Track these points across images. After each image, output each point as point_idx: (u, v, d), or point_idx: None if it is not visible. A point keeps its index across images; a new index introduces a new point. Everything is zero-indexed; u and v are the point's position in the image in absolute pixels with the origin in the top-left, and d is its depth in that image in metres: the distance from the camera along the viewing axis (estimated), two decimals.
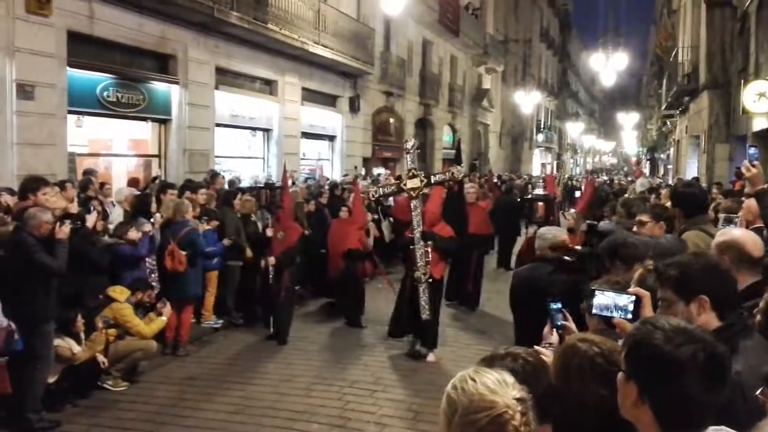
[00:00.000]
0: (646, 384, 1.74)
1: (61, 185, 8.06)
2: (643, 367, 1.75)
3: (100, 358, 6.95)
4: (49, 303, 6.18)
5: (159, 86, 13.02)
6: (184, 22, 13.08)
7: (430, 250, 8.18)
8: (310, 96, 19.05)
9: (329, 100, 20.53)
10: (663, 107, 31.31)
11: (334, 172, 20.54)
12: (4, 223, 6.65)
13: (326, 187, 14.00)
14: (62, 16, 10.31)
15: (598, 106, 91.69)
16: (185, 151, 13.48)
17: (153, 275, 8.47)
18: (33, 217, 6.13)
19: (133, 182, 11.19)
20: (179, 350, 8.48)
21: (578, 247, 5.07)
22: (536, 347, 2.49)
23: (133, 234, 7.91)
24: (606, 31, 48.87)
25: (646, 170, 48.79)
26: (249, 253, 9.86)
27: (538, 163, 50.15)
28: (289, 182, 10.41)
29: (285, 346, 8.98)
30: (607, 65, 35.72)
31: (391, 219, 13.67)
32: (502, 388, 1.72)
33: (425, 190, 8.65)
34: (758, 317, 2.63)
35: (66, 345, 6.60)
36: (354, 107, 21.17)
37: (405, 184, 8.35)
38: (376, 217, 13.37)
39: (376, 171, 22.13)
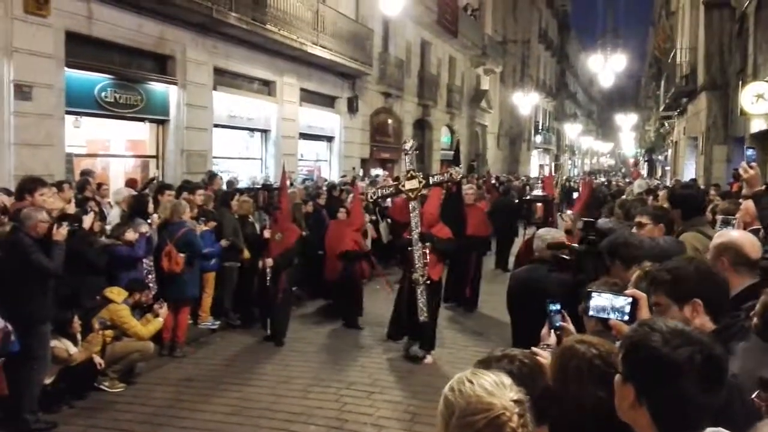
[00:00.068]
0: (643, 386, 1.73)
1: (59, 186, 8.06)
2: (641, 369, 1.74)
3: (97, 359, 6.94)
4: (45, 304, 6.17)
5: (157, 87, 13.01)
6: (183, 23, 13.07)
7: (428, 251, 8.16)
8: (309, 97, 19.05)
9: (327, 101, 20.53)
10: (661, 108, 31.35)
11: (332, 173, 20.54)
12: (1, 223, 6.64)
13: (324, 188, 13.99)
14: (60, 16, 10.29)
15: (597, 107, 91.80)
16: (183, 152, 13.47)
17: (150, 276, 8.46)
18: (28, 217, 6.12)
19: (130, 183, 11.17)
20: (176, 351, 8.46)
21: (575, 245, 5.05)
22: (533, 348, 2.49)
23: (131, 235, 7.90)
24: (604, 32, 49.09)
25: (644, 172, 48.83)
26: (246, 254, 9.86)
27: (536, 164, 50.20)
28: (287, 183, 10.39)
29: (282, 347, 8.97)
30: (606, 66, 35.81)
31: (389, 220, 13.67)
32: (500, 390, 1.72)
33: (423, 192, 8.64)
34: (755, 320, 2.63)
35: (63, 346, 6.59)
36: (352, 108, 21.17)
37: (403, 186, 8.33)
38: (373, 218, 13.37)
39: (374, 172, 22.13)
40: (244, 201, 10.37)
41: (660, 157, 47.11)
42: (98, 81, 11.54)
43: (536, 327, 2.99)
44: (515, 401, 1.71)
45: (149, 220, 8.45)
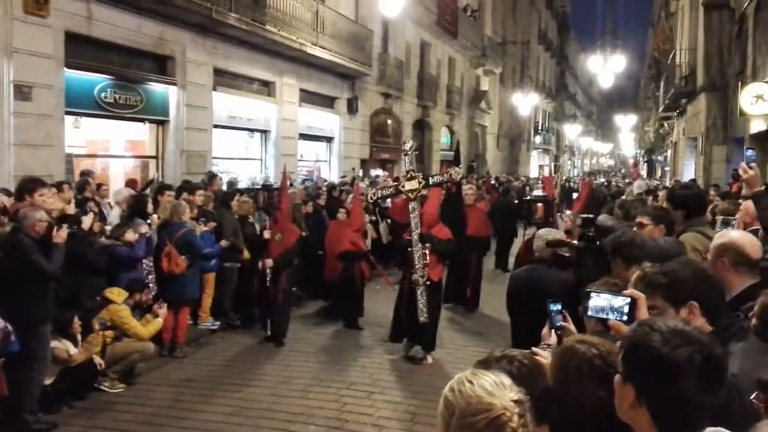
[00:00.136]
0: (643, 386, 1.74)
1: (59, 186, 8.07)
2: (641, 369, 1.74)
3: (97, 359, 6.94)
4: (45, 305, 6.18)
5: (157, 87, 13.01)
6: (183, 23, 13.07)
7: (428, 252, 8.15)
8: (308, 97, 19.05)
9: (327, 102, 20.53)
10: (660, 109, 31.37)
11: (331, 174, 20.54)
12: (1, 224, 6.64)
13: (324, 189, 13.99)
14: (60, 16, 10.29)
15: (596, 108, 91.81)
16: (183, 153, 13.47)
17: (150, 277, 8.46)
18: (26, 218, 6.12)
19: (130, 183, 11.18)
20: (176, 352, 8.46)
21: (575, 242, 5.06)
22: (533, 348, 2.49)
23: (130, 235, 7.90)
24: (604, 33, 49.02)
25: (644, 172, 48.83)
26: (246, 254, 9.86)
27: (536, 164, 50.21)
28: (287, 184, 10.39)
29: (282, 347, 8.97)
30: (605, 67, 35.79)
31: (389, 220, 13.67)
32: (500, 390, 1.72)
33: (423, 192, 8.64)
34: (753, 320, 2.64)
35: (63, 346, 6.59)
36: (352, 109, 21.17)
37: (403, 186, 8.33)
38: (373, 218, 13.37)
39: (374, 172, 22.13)
40: (243, 201, 10.37)
41: (659, 158, 47.12)
42: (98, 81, 11.54)
43: (536, 327, 2.99)
44: (515, 401, 1.71)
45: (149, 221, 8.45)
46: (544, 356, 2.38)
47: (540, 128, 50.62)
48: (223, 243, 9.49)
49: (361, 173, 20.67)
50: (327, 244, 10.78)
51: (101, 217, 8.40)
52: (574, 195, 17.85)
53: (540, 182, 23.65)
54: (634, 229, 5.24)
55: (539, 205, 12.47)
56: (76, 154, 11.33)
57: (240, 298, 10.04)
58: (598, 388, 2.04)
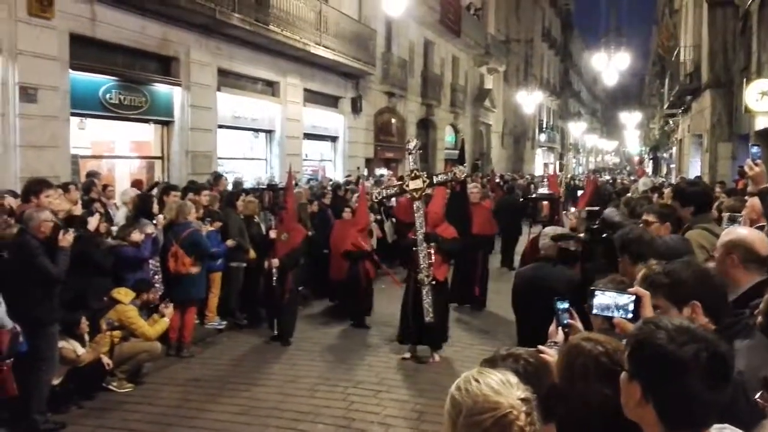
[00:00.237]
0: (649, 383, 1.74)
1: (65, 188, 8.09)
2: (647, 366, 1.75)
3: (105, 359, 6.97)
4: (53, 305, 6.20)
5: (161, 88, 13.04)
6: (186, 24, 13.10)
7: (433, 251, 8.13)
8: (312, 97, 19.06)
9: (331, 101, 20.54)
10: (665, 106, 31.25)
11: (336, 173, 20.55)
12: (8, 225, 6.66)
13: (329, 188, 14.00)
14: (64, 18, 10.32)
15: (601, 105, 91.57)
16: (188, 153, 13.50)
17: (157, 277, 8.49)
18: (31, 218, 6.15)
19: (136, 184, 11.21)
20: (183, 351, 8.49)
21: (581, 235, 5.07)
22: (539, 346, 2.49)
23: (136, 236, 7.93)
24: (608, 30, 48.74)
25: (649, 169, 48.69)
26: (252, 254, 9.88)
27: (541, 162, 50.09)
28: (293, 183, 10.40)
29: (289, 347, 8.99)
30: (609, 65, 35.70)
31: (394, 219, 13.67)
32: (507, 389, 1.73)
33: (428, 191, 8.62)
34: (759, 318, 2.64)
35: (70, 347, 6.62)
36: (356, 108, 21.19)
37: (407, 185, 8.32)
38: (378, 217, 13.38)
39: (378, 172, 22.14)
40: (249, 201, 10.39)
41: (665, 155, 47.00)
42: (103, 83, 11.58)
43: (542, 325, 2.99)
44: (522, 400, 1.72)
45: (155, 221, 8.48)
46: (550, 354, 2.39)
47: (544, 126, 50.56)
48: (229, 243, 9.51)
49: (365, 172, 20.68)
50: (332, 243, 10.79)
51: (107, 218, 8.44)
52: (579, 193, 17.84)
53: (545, 180, 23.59)
54: (641, 226, 5.24)
55: (545, 203, 12.46)
56: (82, 155, 11.37)
57: (246, 297, 10.06)
58: (605, 386, 2.05)
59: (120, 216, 9.24)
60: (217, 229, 9.37)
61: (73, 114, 10.79)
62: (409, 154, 8.63)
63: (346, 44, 18.97)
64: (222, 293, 9.70)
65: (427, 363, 8.32)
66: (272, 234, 9.24)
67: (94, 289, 7.32)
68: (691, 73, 22.79)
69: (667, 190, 11.58)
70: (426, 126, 28.41)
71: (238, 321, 9.94)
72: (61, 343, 6.48)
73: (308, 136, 19.12)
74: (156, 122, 13.25)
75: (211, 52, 14.07)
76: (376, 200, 10.60)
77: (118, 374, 7.21)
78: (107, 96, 11.63)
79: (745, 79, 15.90)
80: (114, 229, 8.35)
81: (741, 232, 3.44)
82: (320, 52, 17.40)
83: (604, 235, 4.55)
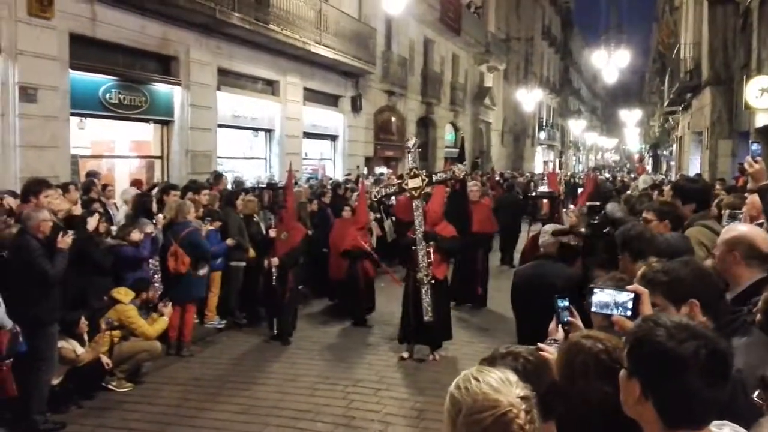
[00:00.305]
0: (649, 381, 1.73)
1: (65, 187, 8.09)
2: (646, 364, 1.74)
3: (105, 359, 6.97)
4: (52, 305, 6.20)
5: (161, 88, 13.04)
6: (186, 24, 13.10)
7: (432, 250, 8.11)
8: (312, 96, 19.06)
9: (331, 100, 20.54)
10: (665, 104, 31.23)
11: (336, 172, 20.55)
12: (7, 225, 6.66)
13: (329, 187, 14.00)
14: (64, 18, 10.32)
15: (601, 103, 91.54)
16: (188, 153, 13.50)
17: (156, 276, 8.49)
18: (29, 218, 6.15)
19: (135, 184, 11.22)
20: (183, 351, 8.49)
21: (582, 230, 5.07)
22: (539, 344, 2.49)
23: (136, 235, 7.93)
24: (608, 28, 48.77)
25: (649, 167, 48.68)
26: (252, 253, 9.88)
27: (541, 160, 50.12)
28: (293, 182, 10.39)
29: (289, 346, 8.99)
30: (609, 62, 35.72)
31: (394, 218, 13.66)
32: (506, 387, 1.72)
33: (428, 190, 8.61)
34: (758, 316, 2.64)
35: (70, 347, 6.62)
36: (356, 107, 21.18)
37: (406, 184, 8.32)
38: (378, 216, 13.37)
39: (378, 170, 22.14)
40: (249, 200, 10.38)
41: (665, 153, 46.99)
42: (102, 82, 11.58)
43: (541, 323, 2.99)
44: (522, 398, 1.71)
45: (154, 220, 8.48)
46: (550, 352, 2.38)
47: (544, 124, 50.54)
48: (229, 242, 9.51)
49: (365, 171, 20.68)
50: (331, 242, 10.79)
51: (107, 218, 8.43)
52: (580, 190, 17.85)
53: (545, 178, 23.59)
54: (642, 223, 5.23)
55: (544, 201, 12.46)
56: (82, 155, 11.38)
57: (246, 296, 10.06)
58: (605, 384, 2.04)
59: (121, 215, 9.25)
60: (216, 228, 9.37)
61: (72, 114, 10.80)
62: (408, 152, 8.62)
63: (345, 43, 18.96)
64: (222, 292, 9.70)
65: (426, 362, 8.31)
66: (272, 233, 9.24)
67: (93, 289, 7.32)
68: (692, 71, 22.79)
69: (666, 188, 11.58)
70: (426, 124, 28.41)
71: (237, 320, 9.93)
72: (61, 343, 6.48)
73: (308, 135, 19.12)
74: (156, 122, 13.25)
75: (211, 51, 14.06)
76: (375, 199, 10.58)
77: (117, 374, 7.20)
78: (107, 96, 11.62)
79: (745, 76, 15.87)
80: (114, 228, 8.35)
81: (743, 228, 3.44)
82: (320, 50, 17.40)
83: (606, 230, 4.56)
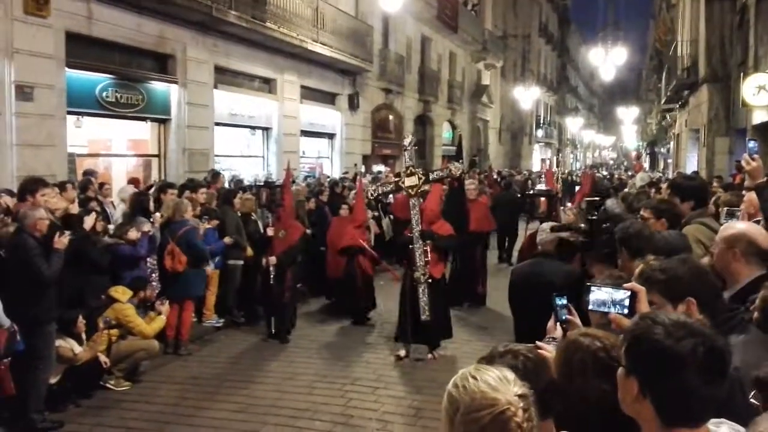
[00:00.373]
0: (646, 379, 1.73)
1: (62, 186, 8.08)
2: (644, 361, 1.74)
3: (102, 358, 6.96)
4: (50, 304, 6.19)
5: (158, 86, 13.02)
6: (183, 22, 13.07)
7: (429, 249, 8.10)
8: (309, 94, 19.04)
9: (328, 98, 20.53)
10: (662, 101, 31.27)
11: (333, 170, 20.54)
12: (4, 224, 6.66)
13: (326, 185, 13.99)
14: (60, 17, 10.30)
15: (598, 100, 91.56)
16: (185, 151, 13.48)
17: (154, 275, 8.48)
18: (26, 217, 6.15)
19: (132, 182, 11.20)
20: (181, 349, 8.48)
21: (582, 225, 5.06)
22: (537, 342, 2.49)
23: (133, 234, 7.92)
24: (605, 25, 48.79)
25: (646, 164, 48.73)
26: (249, 251, 9.87)
27: (538, 158, 50.14)
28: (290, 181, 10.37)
29: (287, 344, 8.99)
30: (607, 60, 35.68)
31: (391, 216, 13.66)
32: (504, 385, 1.72)
33: (425, 188, 8.59)
34: (756, 313, 2.64)
35: (67, 345, 6.61)
36: (353, 105, 21.16)
37: (403, 182, 8.30)
38: (376, 214, 13.37)
39: (376, 168, 22.13)
40: (246, 199, 10.38)
41: (662, 150, 47.02)
42: (99, 81, 11.55)
43: (539, 321, 2.99)
44: (519, 396, 1.71)
45: (152, 219, 8.47)
46: (548, 350, 2.38)
47: (542, 122, 50.54)
48: (227, 240, 9.50)
49: (363, 169, 20.68)
50: (329, 241, 10.78)
51: (104, 216, 8.42)
52: (577, 188, 17.86)
53: (542, 176, 23.58)
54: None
55: (542, 199, 12.46)
56: (79, 153, 11.35)
57: (244, 295, 10.06)
58: (603, 381, 2.05)
59: (118, 214, 9.24)
60: (214, 226, 9.36)
61: (69, 112, 10.78)
62: (405, 150, 8.61)
63: (343, 41, 18.94)
64: (219, 291, 9.69)
65: (424, 361, 8.30)
66: (270, 231, 9.23)
67: (91, 288, 7.32)
68: (689, 68, 22.80)
69: (664, 186, 11.58)
70: (423, 122, 28.40)
71: (235, 319, 9.93)
72: (59, 342, 6.47)
73: (305, 133, 19.10)
74: (153, 120, 13.23)
75: (208, 49, 14.04)
76: (372, 197, 10.57)
77: (115, 372, 7.20)
78: (104, 94, 11.60)
79: (742, 74, 15.89)
80: (111, 227, 8.34)
81: (741, 226, 3.45)
82: (317, 48, 17.38)
83: (605, 226, 4.56)
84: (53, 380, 6.46)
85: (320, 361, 8.36)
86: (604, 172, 41.76)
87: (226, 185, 12.34)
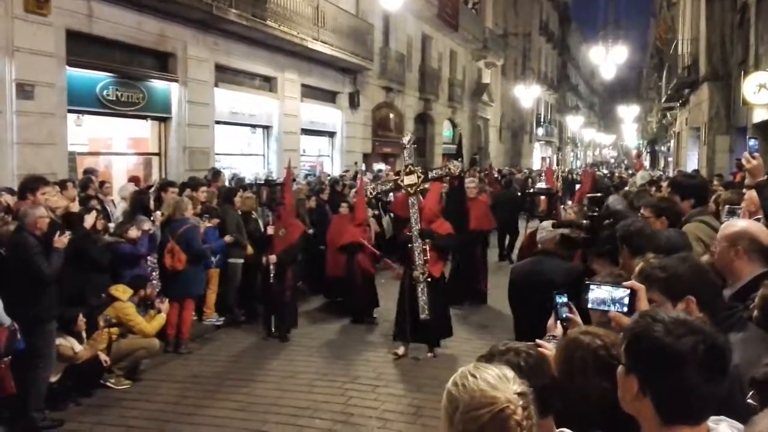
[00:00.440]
0: (647, 376, 1.73)
1: (62, 185, 8.08)
2: (644, 360, 1.74)
3: (103, 356, 6.97)
4: (50, 303, 6.20)
5: (158, 84, 13.02)
6: (183, 20, 13.07)
7: (428, 248, 8.07)
8: (310, 92, 19.04)
9: (329, 97, 20.52)
10: (663, 100, 31.24)
11: (334, 169, 20.54)
12: (5, 222, 6.66)
13: (327, 184, 13.98)
14: (61, 15, 10.30)
15: (598, 99, 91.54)
16: (185, 149, 13.48)
17: (154, 273, 8.48)
18: (26, 215, 6.15)
19: (133, 181, 11.20)
20: (181, 348, 8.48)
21: (584, 221, 5.06)
22: (538, 341, 2.49)
23: (133, 232, 7.92)
24: (606, 24, 48.90)
25: (647, 163, 48.72)
26: (250, 250, 9.87)
27: (539, 156, 50.13)
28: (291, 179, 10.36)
29: (287, 343, 8.99)
30: (607, 58, 35.75)
31: (392, 214, 13.65)
32: (503, 384, 1.72)
33: (426, 186, 8.58)
34: (755, 312, 2.64)
35: (68, 344, 6.62)
36: (354, 103, 21.16)
37: (402, 181, 8.29)
38: (376, 212, 13.36)
39: (376, 167, 22.12)
40: (246, 197, 10.38)
41: (663, 148, 47.02)
42: (100, 79, 11.55)
43: (539, 319, 2.99)
44: (519, 394, 1.71)
45: (152, 218, 8.47)
46: (548, 348, 2.38)
47: (542, 120, 50.52)
48: (228, 239, 9.50)
49: (363, 167, 20.68)
50: (329, 239, 10.75)
51: (105, 215, 8.42)
52: (577, 187, 17.84)
53: (542, 175, 23.57)
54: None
55: (542, 197, 12.45)
56: (79, 152, 11.35)
57: (244, 294, 10.06)
58: (603, 379, 2.04)
59: (119, 212, 9.24)
60: (214, 225, 9.36)
61: (70, 111, 10.78)
62: (404, 149, 8.59)
63: (343, 39, 18.93)
64: (220, 289, 9.69)
65: (423, 359, 8.29)
66: (270, 230, 9.23)
67: (91, 286, 7.32)
68: (689, 66, 22.78)
69: (664, 184, 11.58)
70: (424, 121, 28.39)
71: (236, 317, 9.93)
72: (59, 341, 6.48)
73: (306, 131, 19.10)
74: (153, 118, 13.23)
75: (209, 47, 14.04)
76: (371, 196, 10.55)
77: (115, 371, 7.20)
78: (104, 92, 11.60)
79: (742, 72, 15.89)
80: (112, 225, 8.35)
81: (743, 223, 3.45)
82: (318, 47, 17.37)
83: (607, 222, 4.56)
84: (54, 379, 6.47)
85: (320, 360, 8.36)
86: (605, 171, 41.74)
87: (227, 183, 12.34)
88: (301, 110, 18.48)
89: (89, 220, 7.31)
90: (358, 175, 15.90)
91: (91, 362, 6.83)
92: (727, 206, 5.16)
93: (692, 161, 23.97)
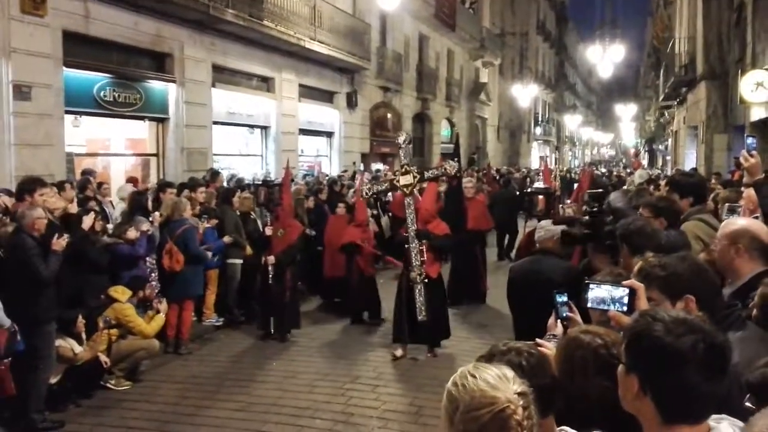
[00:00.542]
0: (647, 376, 1.73)
1: (60, 186, 8.06)
2: (644, 359, 1.74)
3: (103, 357, 6.96)
4: (49, 304, 6.19)
5: (156, 85, 13.01)
6: (180, 20, 13.06)
7: (425, 249, 8.05)
8: (308, 92, 19.03)
9: (326, 97, 20.52)
10: (661, 98, 31.28)
11: (332, 169, 20.54)
12: (3, 224, 6.65)
13: (325, 184, 13.98)
14: (57, 16, 10.28)
15: (596, 98, 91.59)
16: (183, 150, 13.47)
17: (153, 274, 8.47)
18: (24, 217, 6.14)
19: (131, 181, 11.18)
20: (181, 349, 8.48)
21: (584, 218, 5.07)
22: (538, 340, 2.49)
23: (132, 233, 7.91)
24: (603, 23, 48.94)
25: (645, 162, 48.75)
26: (249, 250, 9.87)
27: (537, 156, 50.13)
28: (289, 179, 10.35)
29: (287, 343, 8.98)
30: (604, 57, 35.79)
31: (390, 214, 13.64)
32: (503, 383, 1.72)
33: (423, 186, 8.57)
34: (754, 311, 2.64)
35: (67, 345, 6.61)
36: (351, 103, 21.16)
37: (398, 181, 8.28)
38: (375, 212, 13.35)
39: (374, 166, 22.11)
40: (245, 198, 10.38)
41: (660, 147, 47.05)
42: (97, 80, 11.54)
43: (538, 318, 2.99)
44: (519, 394, 1.71)
45: (151, 218, 8.46)
46: (549, 347, 2.38)
47: (540, 119, 50.53)
48: (227, 239, 9.50)
49: (361, 167, 20.67)
50: (326, 239, 10.74)
51: (103, 216, 8.41)
52: (576, 186, 17.84)
53: (540, 174, 23.55)
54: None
55: (540, 197, 12.44)
56: (77, 153, 11.34)
57: (244, 294, 10.05)
58: (603, 379, 2.05)
59: (117, 213, 9.23)
60: (213, 225, 9.36)
61: (67, 112, 10.77)
62: (400, 149, 8.58)
63: (340, 39, 18.93)
64: (219, 290, 9.68)
65: (423, 359, 8.28)
66: (268, 231, 9.22)
67: (90, 287, 7.30)
68: (686, 65, 22.79)
69: (662, 183, 11.59)
70: (422, 120, 28.40)
71: (235, 318, 9.92)
72: (59, 342, 6.47)
73: (304, 131, 19.10)
74: (151, 119, 13.22)
75: (206, 48, 14.03)
76: (367, 196, 10.52)
77: (115, 372, 7.20)
78: (101, 93, 11.59)
79: (740, 70, 15.93)
80: (110, 226, 8.34)
81: (743, 222, 3.46)
82: (315, 47, 17.36)
83: (609, 218, 4.58)
84: (53, 380, 6.46)
85: (321, 360, 8.36)
86: (603, 170, 41.76)
87: (225, 184, 12.33)
88: (299, 110, 18.47)
89: (87, 221, 7.29)
90: (357, 175, 15.90)
91: (91, 363, 6.83)
92: (726, 204, 5.17)
93: (690, 160, 23.99)
